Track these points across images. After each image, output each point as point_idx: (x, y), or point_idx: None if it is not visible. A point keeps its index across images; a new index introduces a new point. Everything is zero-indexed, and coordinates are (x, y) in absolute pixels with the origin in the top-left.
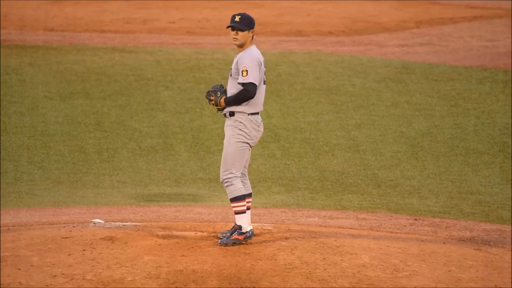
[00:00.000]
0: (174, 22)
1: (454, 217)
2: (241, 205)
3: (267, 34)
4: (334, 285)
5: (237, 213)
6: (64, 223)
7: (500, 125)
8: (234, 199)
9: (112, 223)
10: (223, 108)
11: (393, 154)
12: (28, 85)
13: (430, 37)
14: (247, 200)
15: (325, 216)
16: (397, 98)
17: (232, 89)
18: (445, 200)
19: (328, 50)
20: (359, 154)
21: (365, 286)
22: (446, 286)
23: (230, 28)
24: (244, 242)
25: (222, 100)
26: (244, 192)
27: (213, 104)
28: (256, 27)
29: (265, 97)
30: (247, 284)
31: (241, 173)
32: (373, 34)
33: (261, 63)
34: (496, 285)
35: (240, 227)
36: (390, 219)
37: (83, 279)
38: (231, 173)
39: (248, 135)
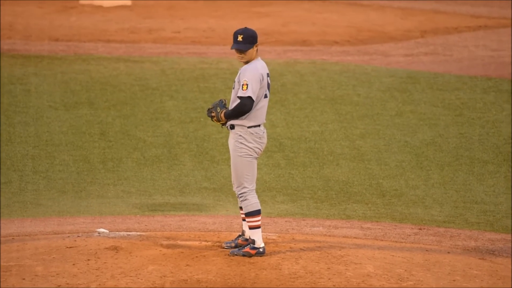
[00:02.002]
0: (179, 32)
1: (459, 226)
2: (255, 220)
3: (272, 44)
4: None
5: (251, 228)
6: (68, 233)
7: (505, 134)
8: (249, 214)
9: (117, 232)
10: (226, 122)
11: (397, 164)
12: (33, 95)
13: (435, 46)
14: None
15: (329, 226)
16: (402, 107)
17: (235, 101)
18: (449, 210)
19: (333, 59)
20: (364, 163)
21: None
22: None
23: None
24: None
25: (222, 114)
26: (259, 206)
27: (215, 120)
28: (261, 37)
29: (270, 107)
30: None
31: None
32: (378, 44)
33: (263, 78)
34: None
35: (253, 241)
36: (395, 229)
37: None
38: (244, 187)
39: (250, 148)
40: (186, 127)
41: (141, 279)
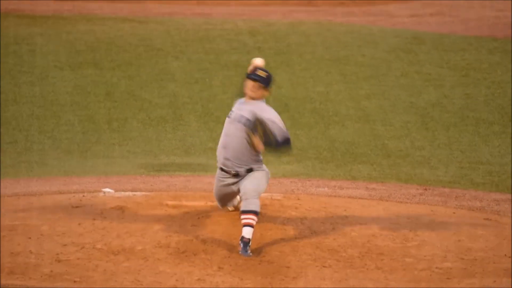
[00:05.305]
0: None
1: (464, 187)
2: (251, 218)
3: (277, 4)
4: (343, 254)
5: (245, 225)
6: (74, 193)
7: (511, 95)
8: (252, 212)
9: (122, 192)
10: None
11: (403, 124)
12: (38, 55)
13: (441, 7)
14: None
15: (335, 186)
16: (407, 68)
17: (242, 135)
18: (455, 170)
19: (338, 20)
20: (369, 124)
21: (374, 255)
22: (456, 256)
23: (251, 80)
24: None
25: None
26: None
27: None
28: None
29: (275, 67)
30: (256, 253)
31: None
32: (384, 4)
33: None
34: (506, 255)
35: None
36: (400, 189)
37: (93, 248)
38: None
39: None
40: (191, 88)
41: (147, 239)
